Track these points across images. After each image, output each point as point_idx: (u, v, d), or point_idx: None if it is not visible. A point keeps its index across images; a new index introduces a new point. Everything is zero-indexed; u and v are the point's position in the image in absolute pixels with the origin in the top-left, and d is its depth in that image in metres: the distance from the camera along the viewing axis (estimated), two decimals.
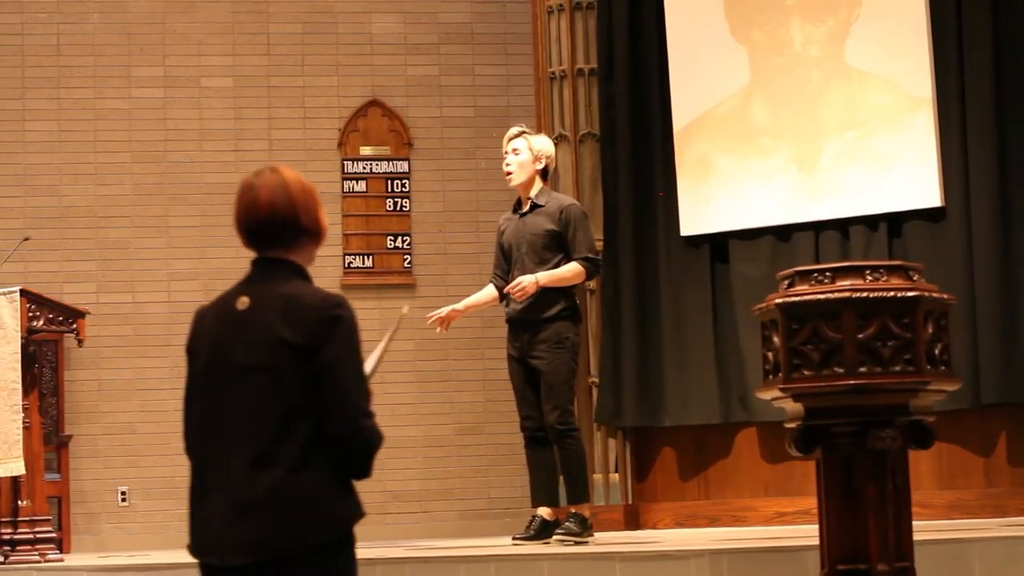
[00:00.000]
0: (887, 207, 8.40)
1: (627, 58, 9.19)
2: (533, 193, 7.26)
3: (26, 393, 7.65)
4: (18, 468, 7.55)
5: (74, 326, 8.09)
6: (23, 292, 7.75)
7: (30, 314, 7.75)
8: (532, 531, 7.16)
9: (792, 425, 4.19)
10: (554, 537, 7.05)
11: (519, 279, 7.03)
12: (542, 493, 7.24)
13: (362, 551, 3.50)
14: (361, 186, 9.97)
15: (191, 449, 3.57)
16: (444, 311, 7.26)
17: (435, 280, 9.80)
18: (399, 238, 9.97)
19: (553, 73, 9.39)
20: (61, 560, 7.80)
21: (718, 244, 8.91)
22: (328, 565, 3.33)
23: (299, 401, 3.32)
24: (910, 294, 4.04)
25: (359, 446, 3.32)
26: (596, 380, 9.06)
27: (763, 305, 4.20)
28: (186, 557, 3.77)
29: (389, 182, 10.04)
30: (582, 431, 7.58)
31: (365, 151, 10.05)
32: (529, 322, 7.12)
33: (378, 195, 9.97)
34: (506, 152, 7.31)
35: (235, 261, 10.72)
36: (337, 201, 9.85)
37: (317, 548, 3.30)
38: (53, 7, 9.81)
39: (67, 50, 9.81)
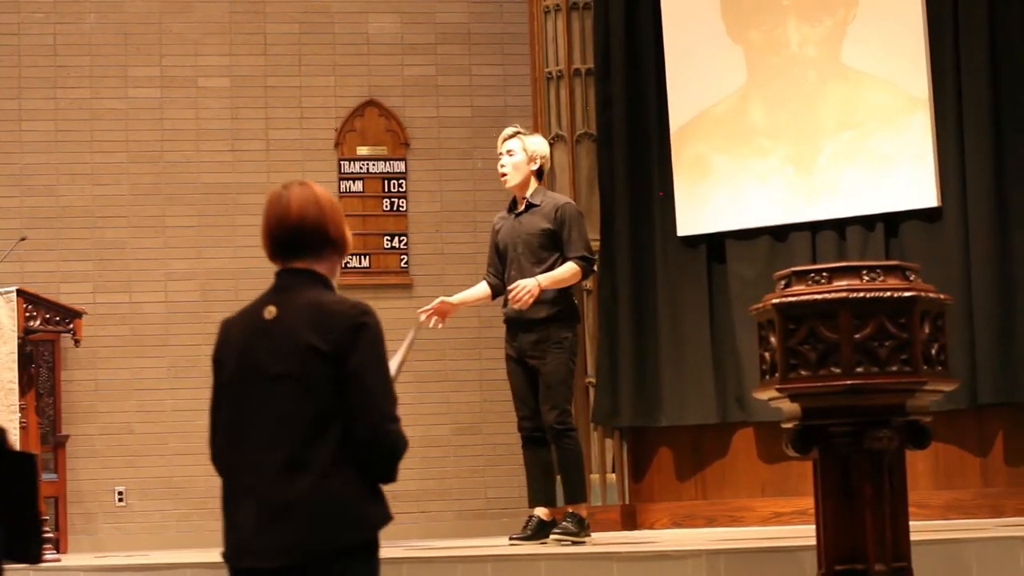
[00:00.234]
0: (884, 207, 8.40)
1: (624, 58, 9.19)
2: (528, 193, 7.26)
3: (23, 393, 7.65)
4: None
5: (71, 326, 8.09)
6: (20, 292, 7.75)
7: (27, 314, 7.74)
8: (529, 531, 7.15)
9: (789, 425, 4.20)
10: (551, 537, 7.05)
11: (520, 283, 6.98)
12: (539, 493, 7.24)
13: None
14: (358, 186, 9.97)
15: (218, 457, 3.57)
16: (435, 303, 7.23)
17: (432, 280, 9.79)
18: (396, 238, 9.97)
19: (550, 73, 9.39)
20: (58, 560, 7.80)
21: (715, 244, 8.91)
22: (357, 567, 3.43)
23: (327, 407, 3.40)
24: (907, 294, 4.05)
25: (385, 451, 3.41)
26: (593, 380, 9.06)
27: (760, 305, 4.21)
28: (184, 557, 3.78)
29: (386, 182, 10.04)
30: (579, 431, 7.58)
31: (362, 151, 10.05)
32: (527, 322, 7.11)
33: (375, 195, 9.97)
34: (501, 153, 7.31)
35: (232, 261, 10.78)
36: None
37: (346, 551, 3.40)
38: (50, 7, 9.80)
39: (64, 50, 9.80)
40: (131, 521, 9.53)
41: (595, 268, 7.61)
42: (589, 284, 8.97)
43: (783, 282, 4.22)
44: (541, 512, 7.20)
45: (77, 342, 8.28)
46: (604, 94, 9.23)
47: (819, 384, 4.03)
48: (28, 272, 9.25)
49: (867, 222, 8.44)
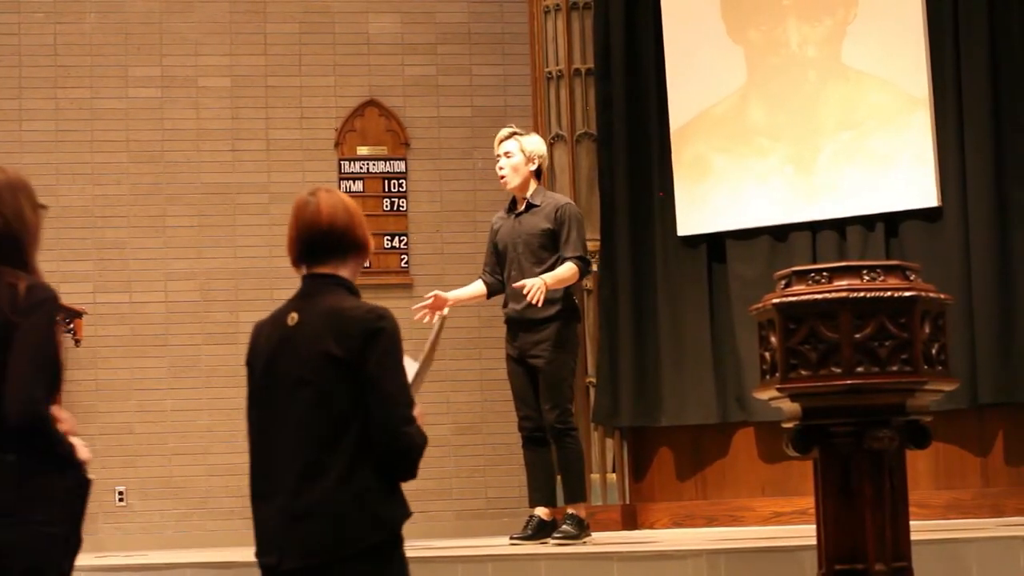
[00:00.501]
0: (884, 207, 8.40)
1: (624, 58, 9.19)
2: (529, 193, 7.26)
3: None
4: None
5: (71, 326, 8.08)
6: None
7: None
8: (529, 531, 7.15)
9: (789, 425, 4.20)
10: (551, 541, 7.05)
11: (527, 282, 6.96)
12: (539, 493, 7.24)
13: None
14: (358, 186, 9.97)
15: (250, 456, 3.70)
16: (430, 298, 7.21)
17: (432, 280, 9.78)
18: (396, 238, 9.96)
19: (550, 73, 9.39)
20: None
21: (715, 244, 8.91)
22: (379, 566, 3.52)
23: (345, 411, 3.52)
24: (907, 294, 4.05)
25: (402, 452, 3.53)
26: (593, 380, 9.06)
27: (760, 305, 4.21)
28: (183, 557, 3.84)
29: (386, 182, 10.04)
30: (579, 431, 7.57)
31: (362, 151, 10.05)
32: (528, 322, 7.11)
33: (375, 195, 9.97)
34: (498, 155, 7.30)
35: (232, 261, 10.77)
36: None
37: (367, 550, 3.50)
38: (50, 7, 9.80)
39: (64, 50, 9.80)
40: (131, 521, 9.53)
41: (590, 269, 7.62)
42: (589, 284, 8.98)
43: (783, 282, 4.22)
44: (541, 512, 7.21)
45: (77, 342, 8.28)
46: (604, 94, 9.23)
47: (819, 384, 4.03)
48: None
49: (867, 222, 8.45)
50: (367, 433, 3.51)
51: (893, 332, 4.01)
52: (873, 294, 4.03)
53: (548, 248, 7.14)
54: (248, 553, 3.81)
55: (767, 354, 4.16)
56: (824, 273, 4.13)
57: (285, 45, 10.00)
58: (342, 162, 10.00)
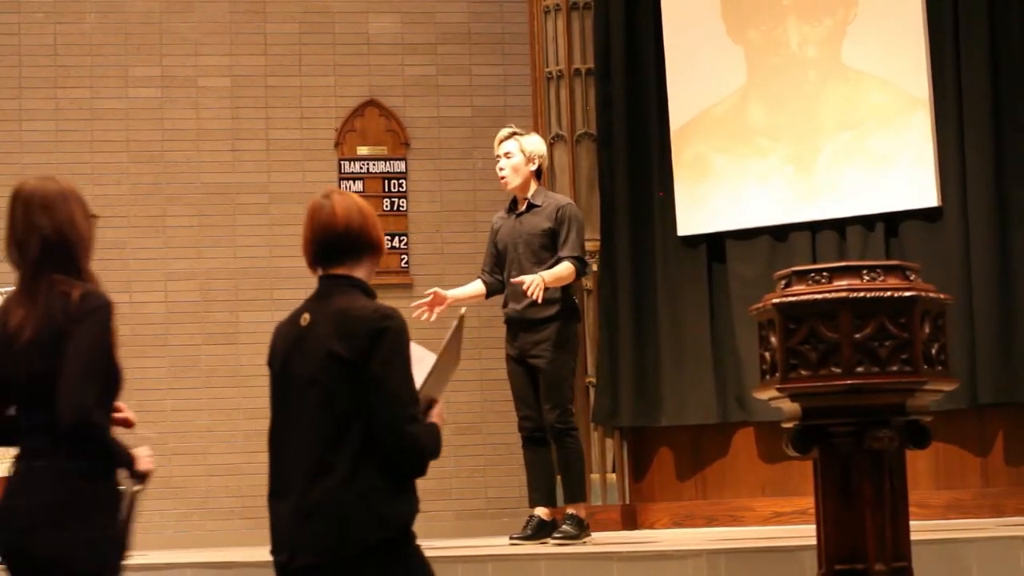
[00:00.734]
0: (884, 207, 8.41)
1: (624, 58, 9.19)
2: (530, 194, 7.26)
3: None
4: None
5: None
6: None
7: None
8: (529, 531, 7.16)
9: (789, 425, 4.20)
10: (551, 541, 7.05)
11: (526, 278, 6.95)
12: (539, 493, 7.24)
13: None
14: (358, 186, 9.97)
15: (269, 455, 3.78)
16: (429, 295, 7.20)
17: (432, 280, 9.77)
18: (396, 238, 9.96)
19: (550, 73, 9.39)
20: None
21: (715, 244, 8.91)
22: (386, 563, 3.56)
23: (351, 411, 3.56)
24: (907, 294, 4.04)
25: (406, 451, 3.55)
26: (593, 380, 9.06)
27: (760, 305, 4.20)
28: (183, 557, 3.86)
29: (386, 182, 10.04)
30: (580, 431, 7.57)
31: (362, 151, 10.05)
32: (528, 322, 7.12)
33: (375, 195, 9.97)
34: (498, 156, 7.30)
35: (232, 261, 10.76)
36: None
37: (374, 548, 3.54)
38: (50, 7, 9.80)
39: (64, 50, 9.80)
40: None
41: (587, 271, 7.64)
42: (589, 284, 8.98)
43: (783, 282, 4.22)
44: (541, 512, 7.21)
45: None
46: (604, 94, 9.23)
47: (819, 384, 4.03)
48: None
49: (867, 222, 8.45)
50: (371, 432, 3.54)
51: (893, 332, 4.01)
52: (873, 294, 4.03)
53: (549, 248, 7.14)
54: (248, 553, 3.84)
55: (767, 354, 4.16)
56: (824, 273, 4.12)
57: (285, 45, 10.00)
58: (342, 162, 10.00)
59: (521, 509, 8.15)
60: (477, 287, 7.38)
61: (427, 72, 10.10)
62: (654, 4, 9.12)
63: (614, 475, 9.04)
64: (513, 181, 7.25)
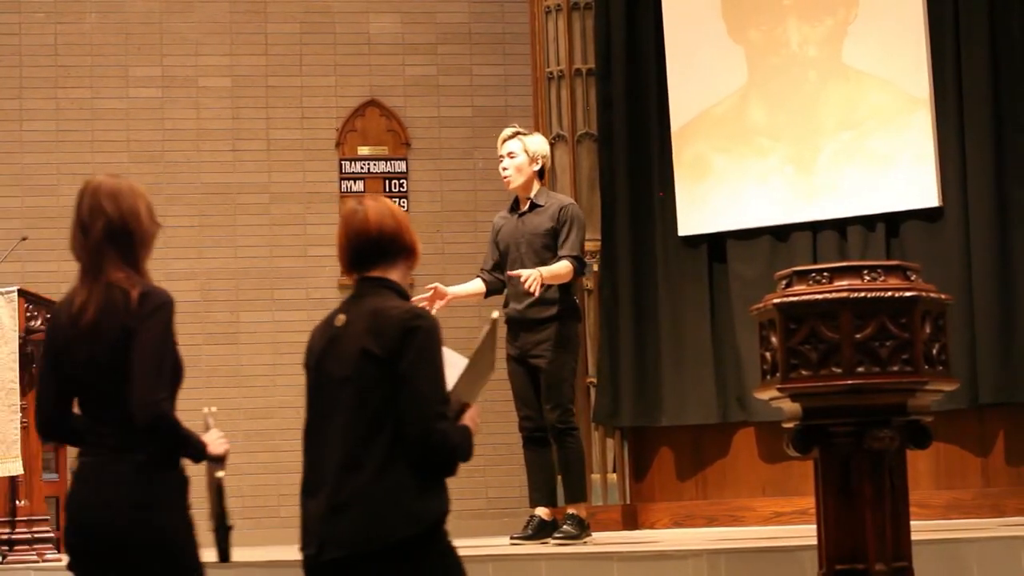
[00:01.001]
0: (885, 207, 8.40)
1: (625, 58, 9.19)
2: (532, 194, 7.25)
3: (24, 393, 7.64)
4: (16, 468, 7.55)
5: None
6: (21, 292, 7.74)
7: (28, 314, 7.74)
8: (530, 531, 7.15)
9: (790, 425, 4.20)
10: (552, 541, 7.05)
11: (524, 272, 6.93)
12: (540, 493, 7.24)
13: None
14: (359, 186, 9.97)
15: (303, 454, 3.85)
16: (430, 290, 7.19)
17: (432, 280, 9.73)
18: None
19: (551, 73, 9.39)
20: (59, 560, 7.79)
21: (715, 244, 8.91)
22: (414, 559, 3.60)
23: (382, 409, 3.62)
24: (908, 294, 4.04)
25: (435, 448, 3.60)
26: (594, 380, 9.06)
27: (761, 305, 4.21)
28: None
29: (387, 182, 10.04)
30: (580, 430, 7.57)
31: (363, 151, 10.05)
32: (529, 321, 7.11)
33: (376, 195, 9.97)
34: (501, 155, 7.29)
35: (232, 261, 10.77)
36: (335, 201, 9.85)
37: (402, 544, 3.58)
38: (51, 7, 9.81)
39: (65, 50, 9.80)
40: None
41: (585, 271, 7.65)
42: (589, 284, 8.98)
43: (784, 282, 4.22)
44: (542, 512, 7.21)
45: None
46: (605, 94, 9.23)
47: (820, 384, 4.03)
48: (29, 272, 9.24)
49: (868, 222, 8.45)
50: (401, 430, 3.59)
51: (894, 332, 4.01)
52: (874, 294, 4.03)
53: (551, 248, 7.13)
54: (248, 553, 3.84)
55: (768, 354, 4.16)
56: (825, 273, 4.12)
57: (286, 45, 10.01)
58: (343, 162, 10.00)
59: (522, 509, 8.15)
60: (477, 285, 7.38)
61: (428, 72, 10.11)
62: (655, 4, 9.12)
63: (615, 475, 9.04)
64: (516, 181, 7.25)
